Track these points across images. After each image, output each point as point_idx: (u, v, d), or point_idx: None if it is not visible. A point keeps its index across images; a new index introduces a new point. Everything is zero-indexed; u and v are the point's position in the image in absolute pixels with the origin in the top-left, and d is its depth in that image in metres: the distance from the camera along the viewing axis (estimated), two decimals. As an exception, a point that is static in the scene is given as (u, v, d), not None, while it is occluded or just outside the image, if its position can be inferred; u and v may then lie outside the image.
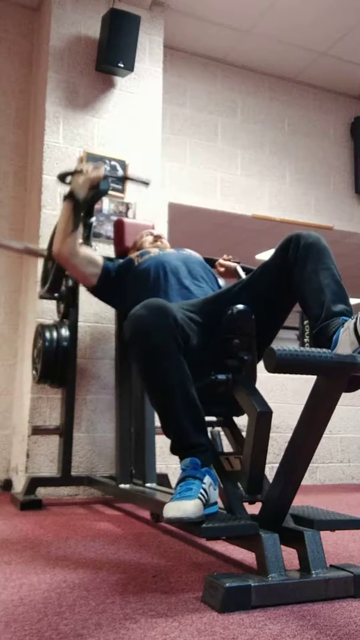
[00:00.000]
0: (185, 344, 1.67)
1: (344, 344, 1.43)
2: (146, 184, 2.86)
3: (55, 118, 3.49)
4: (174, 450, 1.65)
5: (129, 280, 2.39)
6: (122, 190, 3.55)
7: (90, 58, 3.61)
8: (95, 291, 2.52)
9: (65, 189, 2.58)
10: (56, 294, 2.98)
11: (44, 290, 2.95)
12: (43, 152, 3.43)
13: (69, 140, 3.49)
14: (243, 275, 2.61)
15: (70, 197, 2.46)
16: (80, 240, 2.54)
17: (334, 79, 4.84)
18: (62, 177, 2.58)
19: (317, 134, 4.95)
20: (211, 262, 2.66)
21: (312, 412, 1.47)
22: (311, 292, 1.63)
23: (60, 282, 2.90)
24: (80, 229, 2.53)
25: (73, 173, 2.53)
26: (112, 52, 3.50)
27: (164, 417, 1.65)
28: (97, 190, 2.55)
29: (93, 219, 2.91)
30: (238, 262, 2.73)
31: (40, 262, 3.31)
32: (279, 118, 4.82)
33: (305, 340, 4.88)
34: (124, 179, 2.90)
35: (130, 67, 3.58)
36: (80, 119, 3.55)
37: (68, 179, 2.56)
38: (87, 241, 2.86)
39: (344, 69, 4.68)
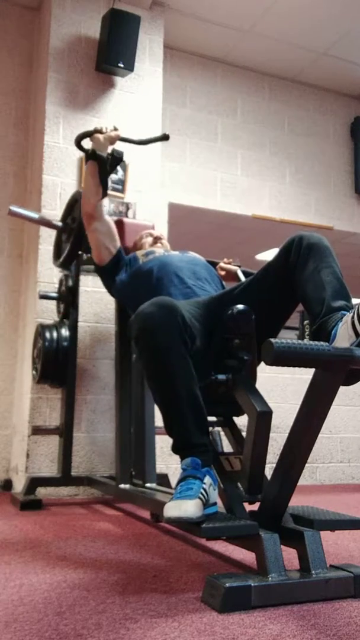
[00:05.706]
0: (191, 343, 1.67)
1: (342, 338, 1.43)
2: (165, 137, 2.78)
3: (55, 118, 3.49)
4: (175, 449, 1.65)
5: (131, 276, 2.39)
6: (122, 191, 3.55)
7: (90, 58, 3.61)
8: (102, 271, 2.50)
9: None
10: (66, 265, 2.98)
11: (58, 262, 2.99)
12: (43, 152, 3.44)
13: (69, 140, 3.49)
14: (243, 279, 2.61)
15: (93, 156, 2.46)
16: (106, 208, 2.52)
17: (334, 79, 4.84)
18: (80, 139, 2.55)
19: (317, 134, 4.95)
20: (212, 265, 2.66)
21: (310, 406, 1.47)
22: (312, 290, 1.63)
23: (76, 254, 2.90)
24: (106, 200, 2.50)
25: (91, 133, 2.51)
26: (112, 52, 3.50)
27: (167, 416, 1.65)
28: (112, 157, 2.52)
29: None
30: (239, 266, 2.74)
31: (40, 262, 3.32)
32: (279, 118, 4.82)
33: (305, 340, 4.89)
34: (142, 143, 2.89)
35: (130, 67, 3.58)
36: (80, 119, 3.54)
37: (86, 145, 2.53)
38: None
39: (344, 69, 4.68)
